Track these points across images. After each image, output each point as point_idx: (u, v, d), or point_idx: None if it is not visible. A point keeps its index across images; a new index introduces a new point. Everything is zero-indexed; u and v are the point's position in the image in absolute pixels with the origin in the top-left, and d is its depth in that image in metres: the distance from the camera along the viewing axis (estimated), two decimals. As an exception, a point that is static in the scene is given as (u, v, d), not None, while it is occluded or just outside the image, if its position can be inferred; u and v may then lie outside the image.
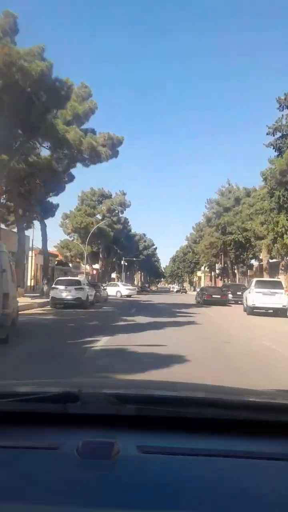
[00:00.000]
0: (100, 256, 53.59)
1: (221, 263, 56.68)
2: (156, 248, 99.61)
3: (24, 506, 0.77)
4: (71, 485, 0.82)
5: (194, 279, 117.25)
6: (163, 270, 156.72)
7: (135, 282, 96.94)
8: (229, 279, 53.70)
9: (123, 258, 70.37)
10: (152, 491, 0.81)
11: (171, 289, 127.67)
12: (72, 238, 49.61)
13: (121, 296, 38.85)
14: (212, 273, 66.08)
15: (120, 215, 53.53)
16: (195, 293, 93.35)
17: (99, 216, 50.99)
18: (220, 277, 57.35)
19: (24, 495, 0.80)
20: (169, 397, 1.29)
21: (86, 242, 39.92)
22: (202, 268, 72.97)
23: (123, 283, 42.37)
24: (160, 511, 0.77)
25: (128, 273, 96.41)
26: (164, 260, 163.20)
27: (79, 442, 0.93)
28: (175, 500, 0.79)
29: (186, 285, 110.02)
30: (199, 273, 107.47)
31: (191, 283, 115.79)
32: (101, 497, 0.79)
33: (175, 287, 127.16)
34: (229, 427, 1.06)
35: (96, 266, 61.31)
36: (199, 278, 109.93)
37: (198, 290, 36.86)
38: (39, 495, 0.80)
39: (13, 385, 1.56)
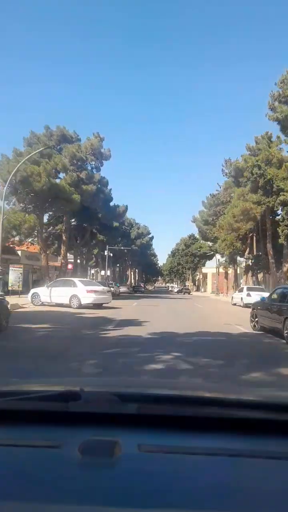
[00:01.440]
0: (64, 238, 33.39)
1: (252, 250, 36.50)
2: (152, 238, 79.28)
3: (26, 505, 0.76)
4: (73, 484, 0.82)
5: (198, 277, 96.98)
6: (161, 267, 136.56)
7: (128, 281, 76.84)
8: (268, 274, 33.67)
9: (107, 246, 50.43)
10: (153, 490, 0.81)
11: (170, 289, 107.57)
12: (13, 205, 29.12)
13: (80, 305, 18.77)
14: (234, 267, 45.86)
15: (95, 172, 33.31)
16: (199, 293, 73.27)
17: (63, 177, 30.82)
18: (252, 272, 36.97)
19: (25, 493, 0.80)
20: (170, 395, 1.28)
21: (3, 200, 19.43)
22: (217, 259, 52.63)
23: (88, 280, 21.77)
24: (161, 509, 0.76)
25: (118, 269, 76.25)
26: (161, 258, 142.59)
27: (81, 441, 0.93)
28: (176, 498, 0.79)
29: (189, 284, 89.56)
30: (205, 269, 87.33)
31: (193, 281, 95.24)
32: (102, 496, 0.79)
33: (175, 286, 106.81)
34: (230, 426, 1.05)
35: (65, 258, 41.20)
36: (204, 276, 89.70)
37: (262, 296, 14.84)
38: (40, 494, 0.80)
39: (15, 384, 1.60)
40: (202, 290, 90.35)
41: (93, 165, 33.22)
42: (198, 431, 1.04)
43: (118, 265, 72.32)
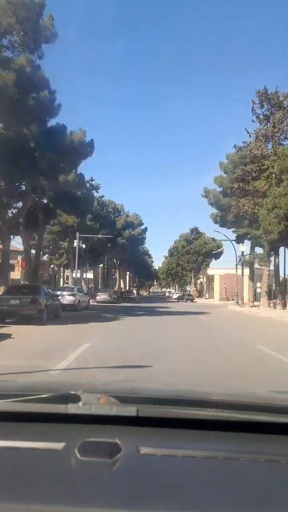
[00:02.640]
0: None
1: None
2: (145, 230, 61.93)
3: (26, 506, 0.77)
4: (72, 485, 0.83)
5: (201, 280, 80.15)
6: (156, 271, 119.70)
7: (117, 286, 59.93)
8: None
9: (78, 234, 33.58)
10: (152, 491, 0.81)
11: (166, 294, 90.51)
12: None
13: None
14: (274, 261, 28.86)
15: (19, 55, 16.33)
16: (204, 301, 47.66)
17: None
18: None
19: (25, 495, 0.80)
20: (169, 398, 1.28)
21: None
22: (237, 254, 35.55)
23: None
24: (160, 510, 0.76)
25: (104, 271, 59.30)
26: (157, 263, 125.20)
27: (80, 442, 0.93)
28: (175, 500, 0.79)
29: (192, 288, 72.48)
30: (211, 271, 70.29)
31: (195, 285, 77.92)
32: (102, 497, 0.79)
33: (173, 291, 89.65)
34: (228, 428, 1.05)
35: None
36: (210, 278, 72.61)
37: None
38: (40, 495, 0.80)
39: (14, 386, 1.60)
40: (207, 296, 73.16)
41: (20, 46, 16.20)
42: (197, 432, 1.03)
43: (102, 265, 55.34)
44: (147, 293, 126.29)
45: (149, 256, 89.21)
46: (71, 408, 1.07)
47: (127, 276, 78.10)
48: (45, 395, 1.16)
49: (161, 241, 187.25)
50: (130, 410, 1.06)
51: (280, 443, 1.01)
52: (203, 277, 75.90)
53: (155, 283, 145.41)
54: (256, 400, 1.32)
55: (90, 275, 53.54)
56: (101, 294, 37.01)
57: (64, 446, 0.95)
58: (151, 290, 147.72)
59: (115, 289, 60.08)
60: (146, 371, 5.85)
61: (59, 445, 0.95)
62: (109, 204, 48.55)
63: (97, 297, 36.50)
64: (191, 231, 72.07)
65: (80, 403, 1.08)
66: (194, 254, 68.95)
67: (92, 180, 41.22)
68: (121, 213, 51.35)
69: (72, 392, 1.15)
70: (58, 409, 1.08)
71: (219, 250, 69.10)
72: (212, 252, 67.85)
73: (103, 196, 43.39)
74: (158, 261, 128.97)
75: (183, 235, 75.61)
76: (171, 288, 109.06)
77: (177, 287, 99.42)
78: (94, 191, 41.98)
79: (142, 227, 58.98)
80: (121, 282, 66.82)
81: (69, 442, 0.95)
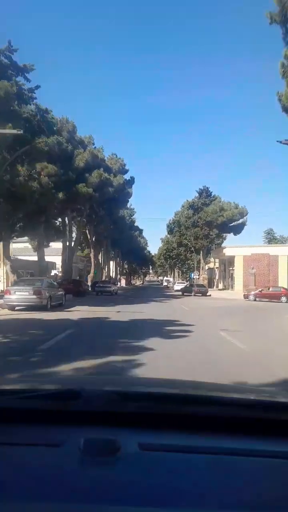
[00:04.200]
0: None
1: None
2: (131, 181, 38.20)
3: (26, 504, 0.77)
4: (73, 482, 0.83)
5: (209, 266, 58.98)
6: (152, 254, 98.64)
7: (91, 274, 38.71)
8: None
9: None
10: (153, 488, 0.82)
11: (164, 284, 69.35)
12: None
13: None
14: None
15: None
16: (221, 294, 26.63)
17: None
18: None
19: (26, 492, 0.80)
20: (170, 394, 1.27)
21: None
22: None
23: None
24: (161, 508, 0.76)
25: (66, 249, 37.74)
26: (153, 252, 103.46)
27: (81, 439, 0.93)
28: (176, 497, 0.79)
29: (202, 276, 50.98)
30: (230, 250, 48.48)
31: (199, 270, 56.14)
32: (103, 494, 0.79)
33: (171, 281, 68.50)
34: (230, 425, 1.05)
35: None
36: (228, 261, 50.18)
37: None
38: (41, 493, 0.80)
39: (15, 382, 1.62)
40: (220, 286, 52.02)
41: None
42: (199, 430, 1.03)
43: (69, 242, 33.73)
44: (141, 283, 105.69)
45: (140, 233, 67.06)
46: (72, 406, 1.06)
47: (112, 262, 56.87)
48: (46, 392, 1.15)
49: (157, 239, 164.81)
50: (131, 407, 1.06)
51: (281, 441, 0.99)
52: (214, 260, 54.59)
53: (150, 271, 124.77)
54: (257, 398, 1.29)
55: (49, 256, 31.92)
56: (16, 290, 15.62)
57: (65, 443, 0.94)
58: (146, 278, 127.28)
59: (89, 277, 39.11)
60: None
61: (60, 442, 0.94)
62: (62, 126, 26.89)
63: (5, 298, 15.49)
64: (199, 193, 50.60)
65: (81, 400, 1.07)
66: (204, 227, 47.56)
67: (11, 48, 19.51)
68: (87, 145, 29.67)
69: (73, 389, 1.13)
70: (59, 406, 1.07)
71: (241, 220, 47.58)
72: (232, 223, 46.47)
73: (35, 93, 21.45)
74: (153, 250, 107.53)
75: (188, 203, 54.05)
76: (169, 276, 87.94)
77: (178, 274, 78.29)
78: (20, 78, 20.34)
79: (126, 176, 36.92)
80: (104, 269, 45.63)
81: (70, 440, 0.94)
